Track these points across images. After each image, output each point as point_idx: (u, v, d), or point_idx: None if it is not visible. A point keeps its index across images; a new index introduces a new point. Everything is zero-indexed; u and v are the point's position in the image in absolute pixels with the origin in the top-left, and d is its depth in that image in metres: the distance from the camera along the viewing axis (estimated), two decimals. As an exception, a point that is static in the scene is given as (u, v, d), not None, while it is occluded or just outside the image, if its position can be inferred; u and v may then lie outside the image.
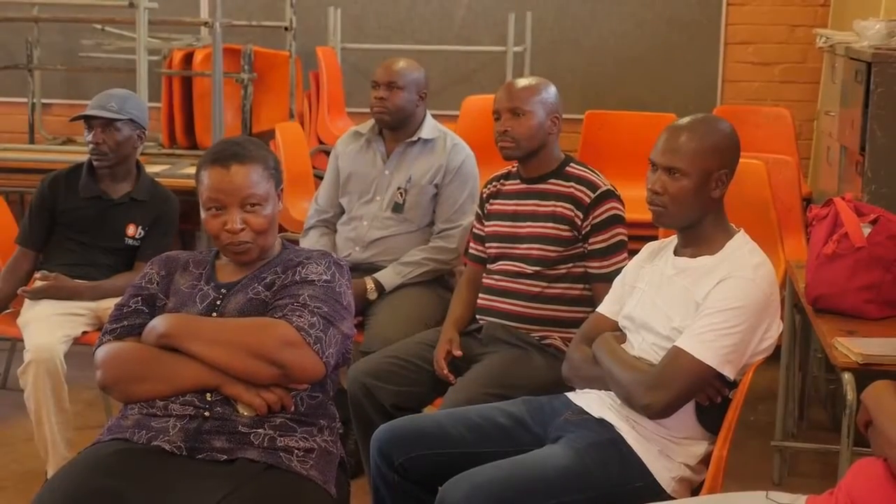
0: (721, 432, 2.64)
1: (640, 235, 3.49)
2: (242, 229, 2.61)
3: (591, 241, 3.34)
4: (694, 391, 2.61)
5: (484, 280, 3.49)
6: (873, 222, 3.27)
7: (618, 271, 3.02)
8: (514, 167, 3.53)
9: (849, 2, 5.69)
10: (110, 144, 3.95)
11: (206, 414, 2.49)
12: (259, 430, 2.48)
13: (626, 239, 3.36)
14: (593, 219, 3.33)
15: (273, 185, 2.67)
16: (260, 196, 2.63)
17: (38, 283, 3.90)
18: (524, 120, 3.38)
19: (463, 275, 3.69)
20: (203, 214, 2.67)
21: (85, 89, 6.74)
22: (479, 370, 3.27)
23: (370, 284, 3.84)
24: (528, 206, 3.42)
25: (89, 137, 3.96)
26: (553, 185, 3.40)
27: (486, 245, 3.52)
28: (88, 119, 3.96)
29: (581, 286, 3.37)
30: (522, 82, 3.48)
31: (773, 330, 2.65)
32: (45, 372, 3.59)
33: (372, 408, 3.30)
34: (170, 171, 5.20)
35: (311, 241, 4.07)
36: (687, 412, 2.65)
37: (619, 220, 3.35)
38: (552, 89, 3.47)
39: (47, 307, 3.82)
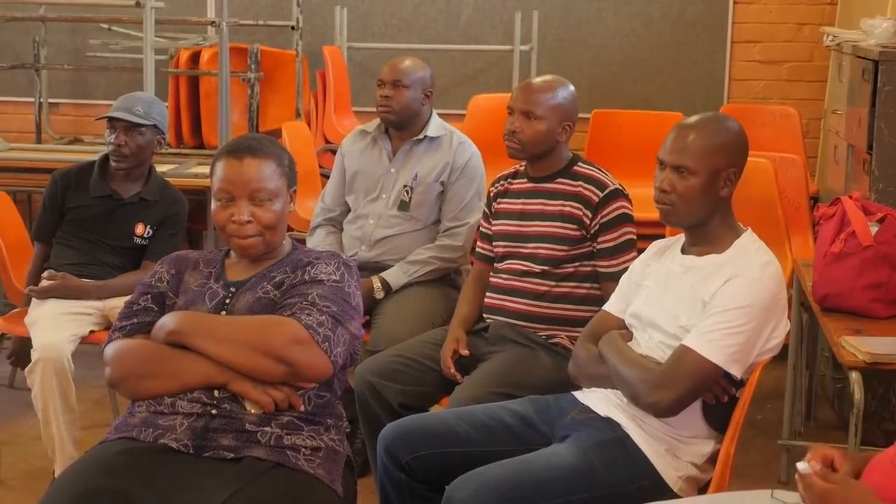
0: (728, 431, 2.64)
1: (648, 234, 3.48)
2: (249, 222, 2.62)
3: (599, 239, 3.33)
4: (701, 390, 2.61)
5: (491, 279, 3.49)
6: (880, 221, 3.27)
7: (627, 270, 3.02)
8: (521, 166, 3.53)
9: (856, 0, 5.68)
10: (132, 147, 3.97)
11: (214, 412, 2.49)
12: (266, 429, 2.48)
13: (634, 238, 3.36)
14: (602, 218, 3.32)
15: (285, 183, 2.68)
16: (270, 191, 2.63)
17: (45, 283, 3.91)
18: (534, 124, 3.36)
19: (470, 273, 3.69)
20: (213, 206, 2.67)
21: (92, 89, 6.76)
22: (486, 369, 3.27)
23: (377, 283, 3.85)
24: (536, 205, 3.42)
25: (111, 139, 3.97)
26: (561, 185, 3.40)
27: (494, 244, 3.52)
28: (112, 120, 3.97)
29: (588, 285, 3.37)
30: (541, 85, 3.43)
31: (781, 329, 2.65)
32: (53, 371, 3.60)
33: (379, 407, 3.31)
34: (177, 170, 5.19)
35: (317, 240, 4.07)
36: (693, 411, 2.65)
37: (627, 218, 3.35)
38: (569, 92, 3.43)
39: (54, 306, 3.83)
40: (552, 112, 3.37)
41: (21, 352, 4.14)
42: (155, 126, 4.01)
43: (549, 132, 3.37)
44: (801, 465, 2.14)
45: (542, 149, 3.39)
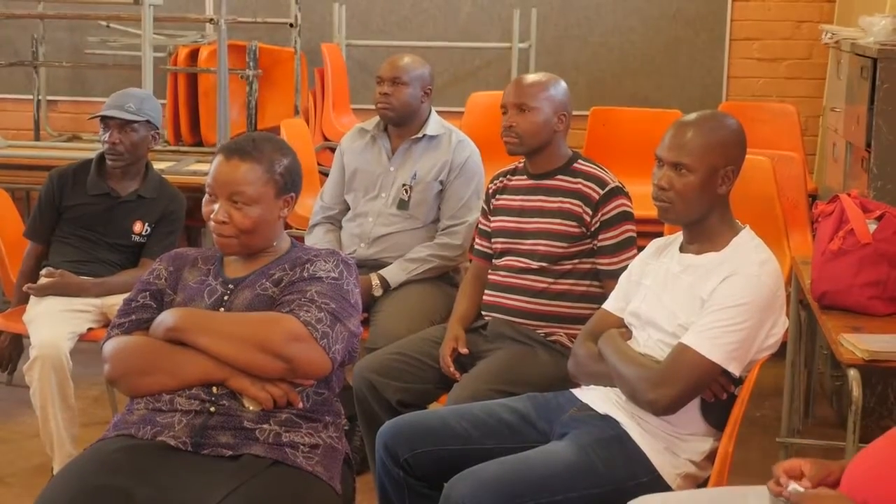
0: (726, 429, 2.64)
1: (646, 232, 3.49)
2: (225, 222, 2.61)
3: (600, 237, 3.33)
4: (699, 388, 2.61)
5: (489, 276, 3.49)
6: (879, 218, 3.27)
7: (627, 268, 3.02)
8: (520, 163, 3.53)
9: (854, -2, 5.68)
10: (126, 145, 3.96)
11: (212, 409, 2.49)
12: (264, 426, 2.48)
13: (635, 235, 3.36)
14: (602, 215, 3.32)
15: (272, 189, 2.64)
16: (249, 196, 2.61)
17: (44, 280, 3.91)
18: (529, 116, 3.38)
19: (468, 271, 3.69)
20: (204, 198, 2.68)
21: (90, 86, 6.75)
22: (485, 367, 3.27)
23: (375, 281, 3.84)
24: (535, 201, 3.42)
25: (105, 137, 3.96)
26: (560, 182, 3.40)
27: (492, 241, 3.52)
28: (105, 118, 3.96)
29: (587, 282, 3.37)
30: (531, 78, 3.48)
31: (779, 326, 2.65)
32: (51, 368, 3.59)
33: (377, 404, 3.31)
34: (175, 167, 5.20)
35: (316, 238, 4.07)
36: (692, 409, 2.65)
37: (628, 216, 3.35)
38: (561, 86, 3.46)
39: (53, 304, 3.82)
40: (545, 102, 3.38)
41: (3, 354, 4.16)
42: (148, 122, 4.00)
43: (546, 123, 3.38)
44: (793, 487, 2.16)
45: (540, 140, 3.39)
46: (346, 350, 2.59)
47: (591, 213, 3.33)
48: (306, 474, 2.43)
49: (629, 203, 3.37)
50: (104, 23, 6.39)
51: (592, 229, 3.34)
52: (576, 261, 3.36)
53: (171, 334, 2.55)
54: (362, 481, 3.21)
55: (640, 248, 3.01)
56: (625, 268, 3.05)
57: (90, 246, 4.02)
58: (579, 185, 3.36)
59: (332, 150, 4.87)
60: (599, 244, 3.34)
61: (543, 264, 3.36)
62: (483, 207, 3.63)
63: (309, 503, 2.39)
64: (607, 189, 3.34)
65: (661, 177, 2.70)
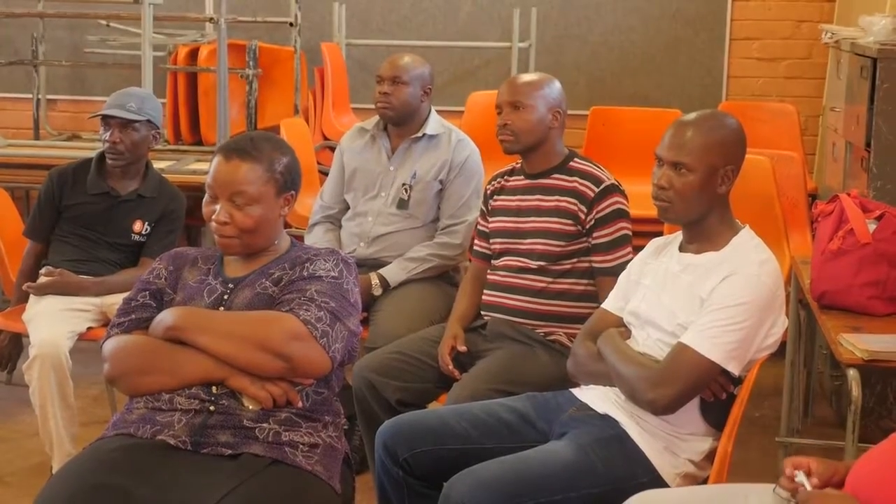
0: (726, 428, 2.64)
1: (646, 231, 3.48)
2: (226, 223, 2.61)
3: (595, 234, 3.34)
4: (699, 387, 2.61)
5: (488, 276, 3.49)
6: (878, 218, 3.27)
7: (622, 265, 3.03)
8: (517, 163, 3.54)
9: (854, -3, 5.68)
10: (127, 144, 3.96)
11: (212, 408, 2.49)
12: (264, 425, 2.48)
13: (630, 233, 3.37)
14: (597, 213, 3.33)
15: (273, 188, 2.64)
16: (250, 195, 2.61)
17: (43, 279, 3.91)
18: (523, 113, 3.38)
19: (468, 271, 3.69)
20: (204, 199, 2.68)
21: (90, 85, 6.76)
22: (484, 366, 3.27)
23: (375, 280, 3.84)
24: (532, 201, 3.42)
25: (106, 136, 3.96)
26: (556, 180, 3.40)
27: (491, 241, 3.53)
28: (106, 117, 3.96)
29: (586, 282, 3.37)
30: (525, 77, 3.50)
31: (778, 326, 2.66)
32: (51, 367, 3.59)
33: (377, 403, 3.31)
34: (174, 167, 5.20)
35: (315, 237, 4.07)
36: (692, 408, 2.65)
37: (623, 214, 3.35)
38: (555, 85, 3.47)
39: (52, 302, 3.82)
40: (539, 100, 3.40)
41: (3, 353, 4.16)
42: (149, 121, 4.00)
43: (540, 120, 3.39)
44: (801, 478, 2.16)
45: (536, 138, 3.40)
46: (345, 349, 2.59)
47: (586, 210, 3.33)
48: (306, 473, 2.44)
49: (624, 201, 3.37)
50: (104, 22, 6.39)
51: (587, 227, 3.34)
52: (574, 260, 3.36)
53: (170, 333, 2.55)
54: (362, 481, 3.21)
55: (638, 248, 3.01)
56: (619, 265, 3.05)
57: (90, 245, 4.02)
58: (575, 184, 3.37)
59: (332, 149, 4.86)
60: (594, 241, 3.34)
61: (542, 263, 3.37)
62: (482, 208, 3.63)
63: (308, 502, 2.39)
64: (602, 187, 3.35)
65: (660, 176, 2.71)
